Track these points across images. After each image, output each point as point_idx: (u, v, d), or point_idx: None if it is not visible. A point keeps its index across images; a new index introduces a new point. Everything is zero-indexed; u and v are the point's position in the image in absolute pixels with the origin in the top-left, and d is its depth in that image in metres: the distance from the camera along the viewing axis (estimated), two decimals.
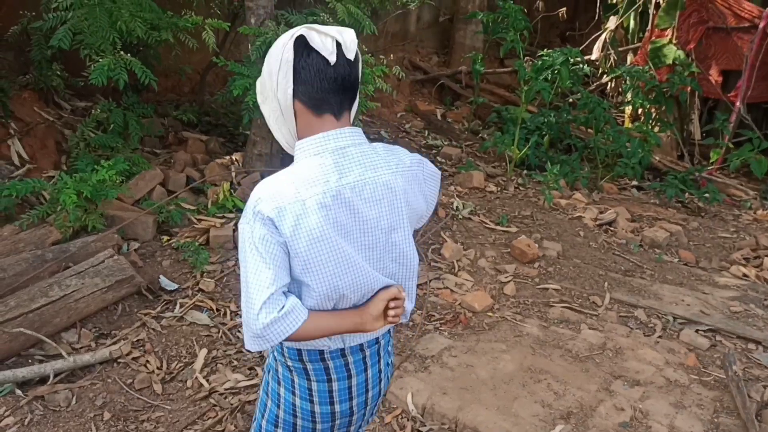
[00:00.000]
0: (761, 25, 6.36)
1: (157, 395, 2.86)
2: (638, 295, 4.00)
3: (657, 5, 7.32)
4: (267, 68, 1.43)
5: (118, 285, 3.30)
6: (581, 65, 6.21)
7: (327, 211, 1.36)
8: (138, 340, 3.16)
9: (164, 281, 3.57)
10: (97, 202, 3.72)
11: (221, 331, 3.28)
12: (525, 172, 6.12)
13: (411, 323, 3.52)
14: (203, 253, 3.71)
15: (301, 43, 1.38)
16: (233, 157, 4.77)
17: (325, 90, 1.38)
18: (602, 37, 8.29)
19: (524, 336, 3.47)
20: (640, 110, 7.09)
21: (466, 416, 2.78)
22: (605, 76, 8.12)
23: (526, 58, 6.23)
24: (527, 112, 6.35)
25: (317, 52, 1.36)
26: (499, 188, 5.57)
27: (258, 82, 1.49)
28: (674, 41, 7.04)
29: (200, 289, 3.57)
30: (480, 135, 7.24)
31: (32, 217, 3.62)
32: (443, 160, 6.20)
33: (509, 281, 4.02)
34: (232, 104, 5.51)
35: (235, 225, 3.93)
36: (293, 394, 1.57)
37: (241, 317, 2.29)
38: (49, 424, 2.63)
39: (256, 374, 3.01)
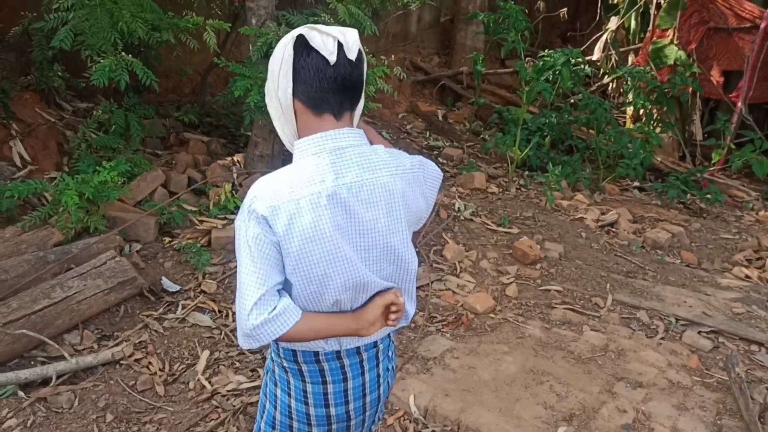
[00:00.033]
0: (762, 26, 6.35)
1: (159, 397, 2.86)
2: (640, 297, 4.00)
3: (658, 6, 7.32)
4: (270, 68, 1.44)
5: (120, 286, 3.29)
6: (582, 66, 6.20)
7: (321, 210, 1.35)
8: (140, 342, 3.16)
9: (166, 283, 3.57)
10: (98, 204, 3.71)
11: (223, 332, 3.28)
12: (526, 173, 6.11)
13: (413, 325, 3.51)
14: (205, 254, 3.71)
15: (301, 43, 1.38)
16: (235, 158, 4.77)
17: (324, 90, 1.38)
18: (603, 38, 8.28)
19: (526, 337, 3.47)
20: (641, 111, 7.08)
21: (468, 418, 2.78)
22: (606, 76, 8.11)
23: (527, 59, 6.23)
24: (528, 113, 6.34)
25: (317, 52, 1.36)
26: (500, 189, 5.57)
27: (266, 83, 1.50)
28: (675, 42, 7.03)
29: (202, 291, 3.56)
30: (481, 136, 7.23)
31: (34, 219, 3.61)
32: (444, 161, 6.20)
33: (511, 283, 4.02)
34: (234, 105, 5.51)
35: None
36: (289, 395, 1.56)
37: None
38: (52, 426, 2.63)
39: (258, 376, 3.01)
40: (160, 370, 3.01)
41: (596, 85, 8.08)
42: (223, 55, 4.78)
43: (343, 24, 4.03)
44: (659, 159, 6.69)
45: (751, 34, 6.55)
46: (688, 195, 6.07)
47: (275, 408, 1.60)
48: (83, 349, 3.09)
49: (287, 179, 1.38)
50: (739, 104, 6.53)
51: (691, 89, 6.77)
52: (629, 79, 6.85)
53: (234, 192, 4.29)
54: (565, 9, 9.23)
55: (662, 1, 7.21)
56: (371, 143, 1.57)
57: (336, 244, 1.38)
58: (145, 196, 4.21)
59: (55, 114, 4.75)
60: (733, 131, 6.56)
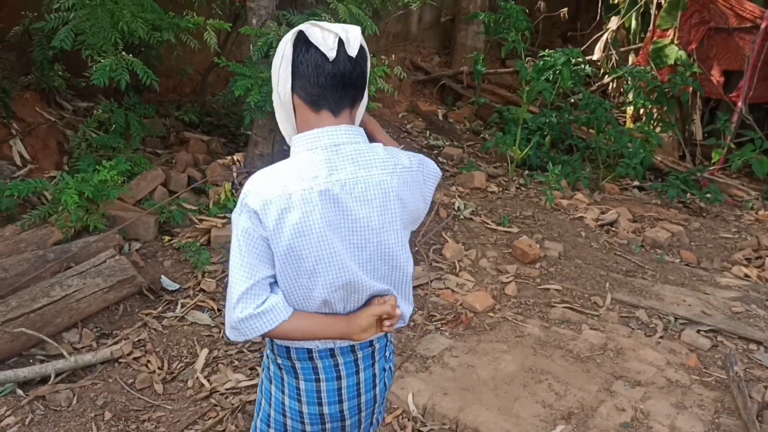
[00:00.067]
0: (763, 26, 6.35)
1: (158, 395, 2.87)
2: (639, 296, 4.00)
3: (658, 5, 7.32)
4: (273, 64, 1.45)
5: (120, 285, 3.30)
6: (583, 65, 6.20)
7: (312, 206, 1.35)
8: (139, 340, 3.17)
9: (165, 281, 3.57)
10: (98, 203, 3.72)
11: (222, 331, 3.28)
12: (526, 172, 6.11)
13: (412, 323, 3.52)
14: (204, 253, 3.71)
15: (301, 39, 1.38)
16: (235, 158, 4.78)
17: (322, 86, 1.38)
18: (604, 38, 8.28)
19: (525, 336, 3.47)
20: (641, 110, 7.08)
21: (466, 416, 2.78)
22: (607, 76, 8.11)
23: (527, 59, 6.22)
24: (529, 113, 6.35)
25: (316, 48, 1.36)
26: (500, 188, 5.57)
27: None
28: (676, 41, 7.03)
29: (201, 290, 3.57)
30: (481, 135, 7.24)
31: (34, 218, 3.62)
32: (445, 161, 6.20)
33: (510, 281, 4.02)
34: (234, 105, 5.52)
35: None
36: (283, 392, 1.56)
37: None
38: (50, 424, 2.64)
39: (257, 374, 3.01)
40: (158, 368, 3.02)
41: (596, 84, 8.08)
42: (223, 55, 4.78)
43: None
44: (659, 158, 6.69)
45: (751, 34, 6.55)
46: (688, 194, 6.07)
47: (270, 405, 1.60)
48: (82, 348, 3.10)
49: (281, 174, 1.38)
50: (740, 104, 6.53)
51: (691, 89, 6.78)
52: (629, 78, 6.84)
53: (234, 191, 4.30)
54: (566, 9, 9.22)
55: (663, 1, 7.21)
56: (374, 139, 1.57)
57: (325, 240, 1.37)
58: (144, 195, 4.22)
59: (55, 113, 4.76)
60: (733, 131, 6.56)
